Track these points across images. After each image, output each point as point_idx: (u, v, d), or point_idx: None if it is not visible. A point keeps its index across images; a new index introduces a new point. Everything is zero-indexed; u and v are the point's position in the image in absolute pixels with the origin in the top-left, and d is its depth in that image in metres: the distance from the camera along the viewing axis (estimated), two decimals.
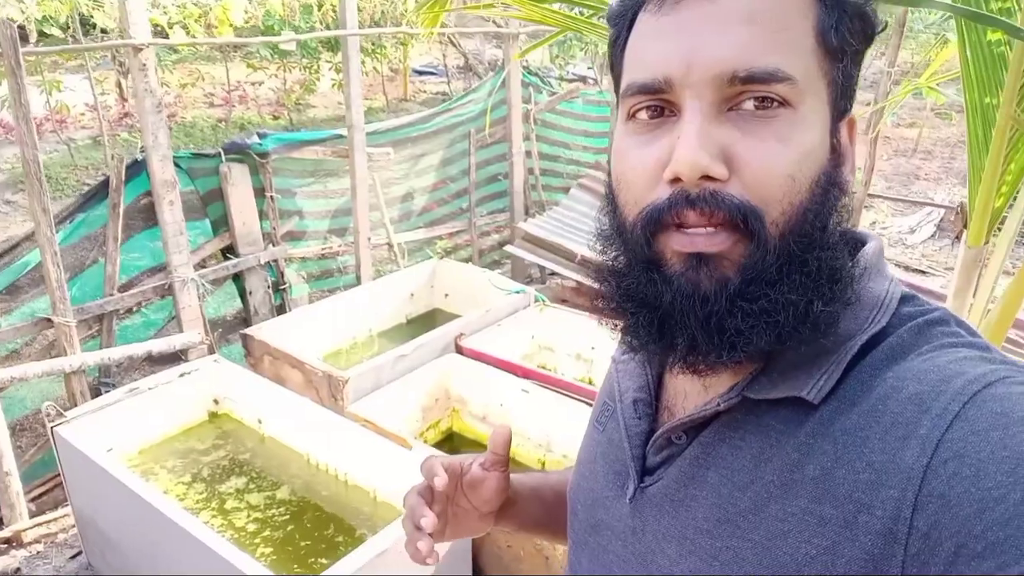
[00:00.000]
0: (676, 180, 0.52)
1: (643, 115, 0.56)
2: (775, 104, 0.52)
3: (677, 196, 0.53)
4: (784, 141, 0.52)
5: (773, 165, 0.52)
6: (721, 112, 0.53)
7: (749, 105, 0.52)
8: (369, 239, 4.18)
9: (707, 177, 0.51)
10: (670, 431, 0.63)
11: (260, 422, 2.99)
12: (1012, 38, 1.53)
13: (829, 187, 0.55)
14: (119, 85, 9.81)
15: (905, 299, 0.59)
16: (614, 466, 0.69)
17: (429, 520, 0.74)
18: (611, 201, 0.60)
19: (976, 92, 1.67)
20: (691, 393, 0.64)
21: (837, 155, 0.57)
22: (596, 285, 0.63)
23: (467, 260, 5.13)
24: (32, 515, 2.99)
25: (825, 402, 0.54)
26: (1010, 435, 0.45)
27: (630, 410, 0.68)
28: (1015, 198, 2.04)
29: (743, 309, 0.53)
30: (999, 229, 2.07)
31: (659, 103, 0.55)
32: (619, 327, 0.62)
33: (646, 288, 0.56)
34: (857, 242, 0.63)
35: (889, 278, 0.60)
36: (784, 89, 0.52)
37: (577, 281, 4.11)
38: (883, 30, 0.58)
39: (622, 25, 0.60)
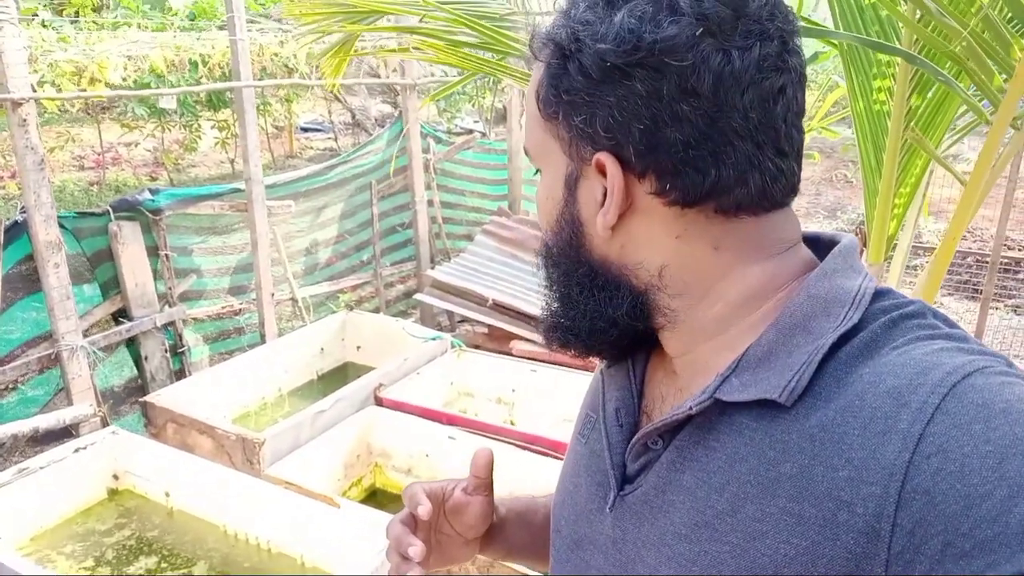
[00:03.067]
0: None
1: None
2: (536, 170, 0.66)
3: None
4: (537, 195, 0.67)
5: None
6: None
7: None
8: (273, 295, 4.03)
9: None
10: (646, 436, 0.62)
11: (167, 495, 2.78)
12: (894, 69, 1.67)
13: (566, 224, 0.64)
14: None
15: (879, 294, 0.59)
16: (596, 477, 0.68)
17: (418, 549, 0.71)
18: None
19: (866, 122, 1.80)
20: (668, 397, 0.64)
21: (574, 196, 0.62)
22: None
23: (374, 311, 5.03)
24: None
25: (799, 400, 0.54)
26: (992, 428, 0.45)
27: (612, 418, 0.68)
28: (905, 220, 2.21)
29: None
30: (892, 252, 2.24)
31: None
32: None
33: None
34: (830, 243, 0.64)
35: (862, 274, 0.60)
36: (532, 158, 0.66)
37: (489, 325, 4.10)
38: (636, 51, 0.55)
39: None
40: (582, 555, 0.69)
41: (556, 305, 0.66)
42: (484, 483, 0.77)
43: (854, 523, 0.48)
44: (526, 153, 0.67)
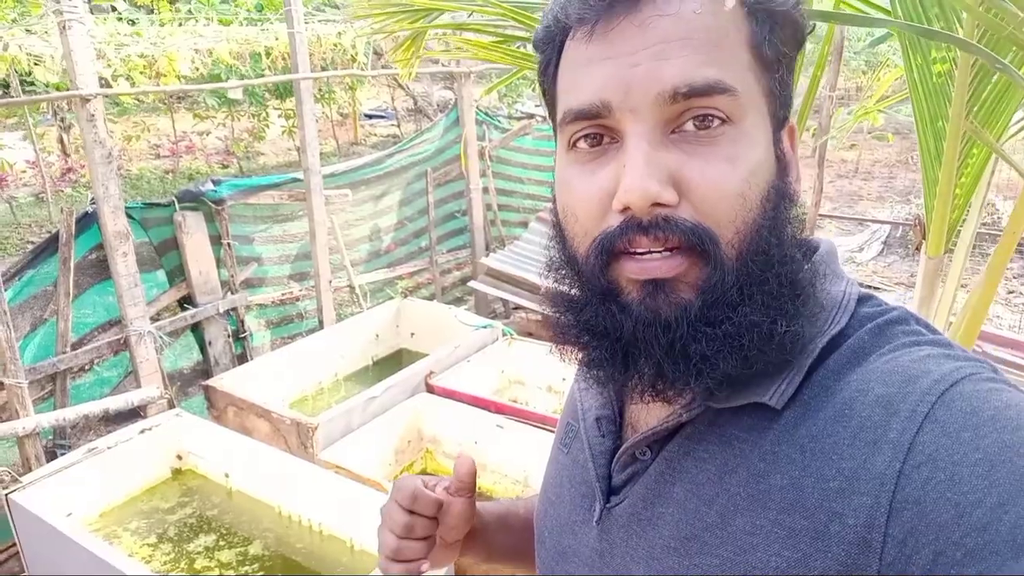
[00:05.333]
0: (626, 208, 0.52)
1: (583, 144, 0.55)
2: (717, 123, 0.52)
3: (628, 224, 0.52)
4: (731, 160, 0.52)
5: (722, 185, 0.51)
6: (665, 135, 0.52)
7: (691, 126, 0.52)
8: (330, 282, 4.12)
9: (658, 203, 0.51)
10: (633, 446, 0.61)
11: (227, 476, 2.89)
12: (955, 53, 1.59)
13: (779, 200, 0.55)
14: (61, 141, 9.62)
15: (863, 299, 0.59)
16: (580, 488, 0.67)
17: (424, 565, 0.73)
18: (559, 233, 0.59)
19: (925, 108, 1.72)
20: (653, 407, 0.62)
21: (782, 165, 0.57)
22: (553, 319, 0.61)
23: (429, 298, 5.09)
24: None
25: (788, 408, 0.54)
26: (981, 435, 0.45)
27: (594, 428, 0.67)
28: (968, 210, 2.11)
29: (707, 334, 0.52)
30: (954, 244, 2.14)
31: (599, 130, 0.54)
32: (582, 360, 0.60)
33: (605, 320, 0.54)
34: (809, 248, 0.63)
35: (845, 279, 0.60)
36: (726, 102, 0.51)
37: (542, 313, 4.10)
38: (812, 30, 0.59)
39: (551, 52, 0.59)
40: (566, 567, 0.68)
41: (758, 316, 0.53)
42: (467, 486, 0.76)
43: (845, 534, 0.47)
44: (711, 89, 0.51)
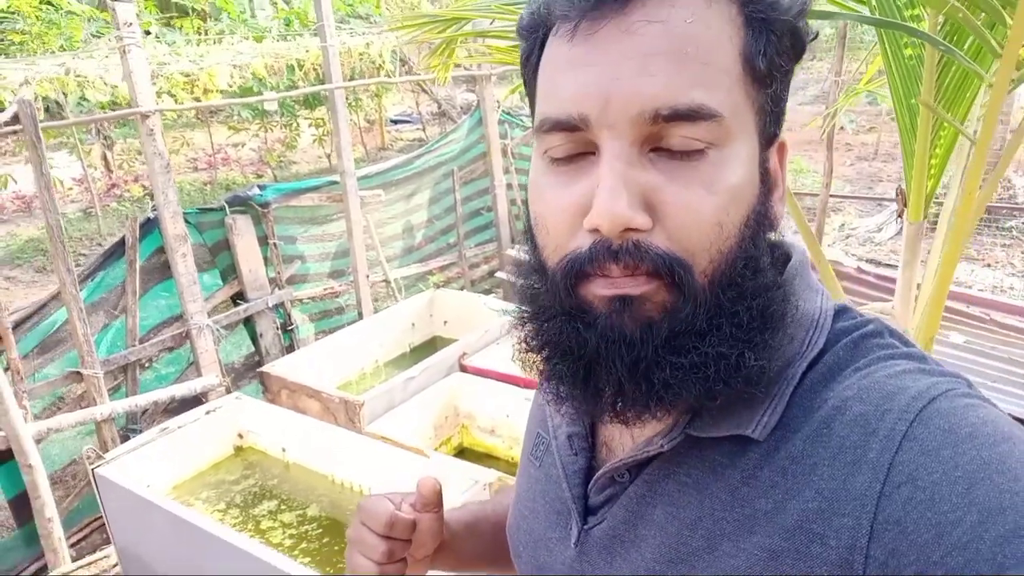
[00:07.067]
0: (597, 229, 0.49)
1: (559, 152, 0.52)
2: (699, 145, 0.49)
3: (599, 247, 0.49)
4: (710, 186, 0.49)
5: (699, 213, 0.49)
6: (643, 153, 0.49)
7: (671, 146, 0.49)
8: (368, 276, 4.42)
9: (629, 228, 0.48)
10: (612, 470, 0.60)
11: (284, 451, 3.18)
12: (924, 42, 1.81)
13: (758, 225, 0.53)
14: (104, 158, 10.08)
15: (838, 313, 0.58)
16: (554, 505, 0.67)
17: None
18: (531, 238, 0.57)
19: (900, 87, 1.95)
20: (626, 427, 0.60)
21: (766, 186, 0.54)
22: (518, 324, 0.58)
23: (460, 290, 5.38)
24: (74, 559, 3.15)
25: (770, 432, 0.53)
26: (960, 453, 0.45)
27: (565, 446, 0.66)
28: (948, 181, 2.32)
29: (672, 363, 0.50)
30: (936, 215, 2.35)
31: (575, 140, 0.51)
32: (542, 372, 0.57)
33: (570, 337, 0.52)
34: (782, 253, 0.60)
35: (819, 292, 0.59)
36: (710, 127, 0.48)
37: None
38: (814, 39, 0.55)
39: (534, 42, 0.55)
40: None
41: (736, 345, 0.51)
42: (432, 503, 0.72)
43: (827, 556, 0.47)
44: (694, 114, 0.48)
